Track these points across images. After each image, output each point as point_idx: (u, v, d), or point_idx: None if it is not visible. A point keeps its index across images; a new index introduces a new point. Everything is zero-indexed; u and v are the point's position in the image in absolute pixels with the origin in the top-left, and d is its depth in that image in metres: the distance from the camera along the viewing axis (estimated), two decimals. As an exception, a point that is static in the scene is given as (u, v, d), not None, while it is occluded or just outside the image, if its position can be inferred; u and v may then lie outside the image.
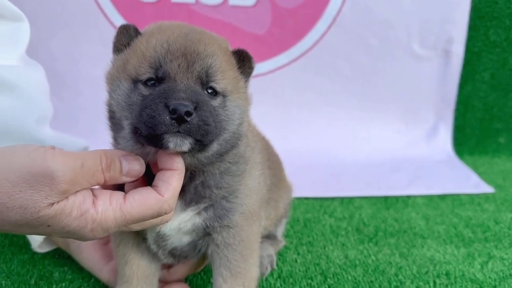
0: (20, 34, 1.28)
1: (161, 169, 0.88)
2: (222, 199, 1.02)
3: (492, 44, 2.37)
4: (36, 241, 1.33)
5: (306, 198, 1.88)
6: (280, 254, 1.45)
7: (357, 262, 1.43)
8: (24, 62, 1.28)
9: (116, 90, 0.92)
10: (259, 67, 2.18)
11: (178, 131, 0.81)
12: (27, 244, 1.42)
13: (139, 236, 1.10)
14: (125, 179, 0.86)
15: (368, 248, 1.51)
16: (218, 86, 0.91)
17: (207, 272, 1.34)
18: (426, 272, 1.38)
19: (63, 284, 1.27)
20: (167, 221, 0.94)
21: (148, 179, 0.92)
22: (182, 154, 0.88)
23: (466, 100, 2.46)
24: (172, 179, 0.87)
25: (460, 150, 2.48)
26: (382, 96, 2.34)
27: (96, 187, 0.85)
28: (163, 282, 1.20)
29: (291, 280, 1.32)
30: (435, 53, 2.29)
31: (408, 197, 1.94)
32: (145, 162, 0.89)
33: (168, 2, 2.05)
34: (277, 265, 1.39)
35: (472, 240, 1.59)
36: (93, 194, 0.82)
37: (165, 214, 0.87)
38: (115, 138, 0.97)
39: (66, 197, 0.77)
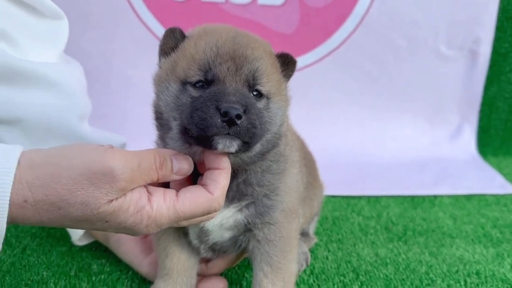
0: (60, 32, 1.31)
1: (209, 169, 0.91)
2: (263, 196, 1.05)
3: (520, 45, 2.36)
4: (77, 234, 1.37)
5: (333, 196, 1.90)
6: (311, 251, 1.47)
7: (388, 260, 1.44)
8: (63, 59, 1.32)
9: (164, 92, 0.94)
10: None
11: (228, 133, 0.84)
12: (64, 236, 1.46)
13: (179, 230, 1.14)
14: (175, 177, 0.89)
15: (397, 247, 1.53)
16: (263, 89, 0.94)
17: (241, 267, 1.37)
18: (457, 271, 1.39)
19: (102, 276, 1.31)
20: (212, 218, 0.97)
21: (193, 177, 0.95)
22: (228, 154, 0.91)
23: (491, 101, 2.45)
24: (220, 177, 0.89)
25: (484, 151, 2.47)
26: (407, 96, 2.34)
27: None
28: (201, 275, 1.23)
29: (323, 276, 1.35)
30: (462, 54, 2.29)
31: (435, 196, 1.95)
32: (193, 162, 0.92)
33: (198, 1, 2.07)
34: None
35: (501, 241, 1.60)
36: (148, 192, 0.84)
37: (214, 211, 0.90)
38: (162, 138, 0.99)
39: (124, 194, 0.80)
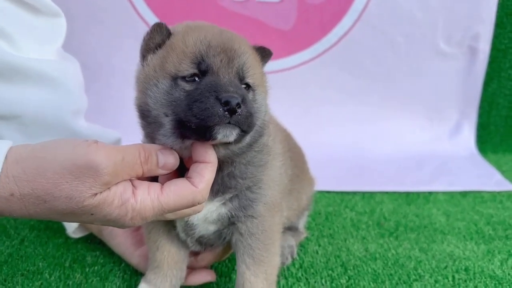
0: (58, 30, 1.33)
1: (195, 162, 0.93)
2: (246, 189, 1.07)
3: (519, 41, 2.35)
4: (72, 227, 1.41)
5: (328, 192, 1.92)
6: (301, 245, 1.49)
7: (377, 255, 1.46)
8: (61, 56, 1.34)
9: (153, 89, 0.93)
10: (283, 62, 2.23)
11: (229, 122, 0.86)
12: (61, 228, 1.50)
13: (169, 224, 1.16)
14: (161, 171, 0.91)
15: (388, 242, 1.55)
16: (250, 81, 0.97)
17: (231, 260, 1.39)
18: (445, 267, 1.41)
19: (96, 268, 1.34)
20: (198, 212, 0.99)
21: (180, 172, 0.97)
22: (216, 147, 0.93)
23: (490, 97, 2.45)
24: (206, 171, 0.91)
25: (484, 148, 2.47)
26: (406, 92, 2.35)
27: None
28: (190, 268, 1.25)
29: (312, 270, 1.37)
30: (461, 50, 2.28)
31: (430, 193, 1.96)
32: (179, 156, 0.94)
33: (196, -3, 2.10)
34: (299, 255, 1.43)
35: (493, 237, 1.61)
36: (133, 185, 0.86)
37: (198, 204, 0.92)
38: (150, 136, 0.99)
39: (108, 188, 0.82)
